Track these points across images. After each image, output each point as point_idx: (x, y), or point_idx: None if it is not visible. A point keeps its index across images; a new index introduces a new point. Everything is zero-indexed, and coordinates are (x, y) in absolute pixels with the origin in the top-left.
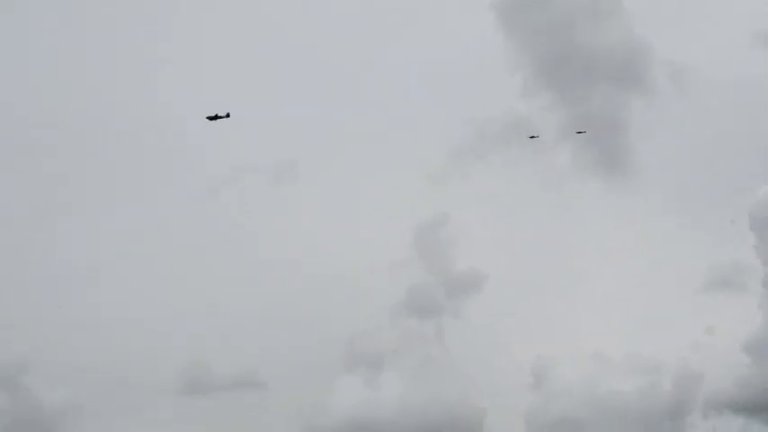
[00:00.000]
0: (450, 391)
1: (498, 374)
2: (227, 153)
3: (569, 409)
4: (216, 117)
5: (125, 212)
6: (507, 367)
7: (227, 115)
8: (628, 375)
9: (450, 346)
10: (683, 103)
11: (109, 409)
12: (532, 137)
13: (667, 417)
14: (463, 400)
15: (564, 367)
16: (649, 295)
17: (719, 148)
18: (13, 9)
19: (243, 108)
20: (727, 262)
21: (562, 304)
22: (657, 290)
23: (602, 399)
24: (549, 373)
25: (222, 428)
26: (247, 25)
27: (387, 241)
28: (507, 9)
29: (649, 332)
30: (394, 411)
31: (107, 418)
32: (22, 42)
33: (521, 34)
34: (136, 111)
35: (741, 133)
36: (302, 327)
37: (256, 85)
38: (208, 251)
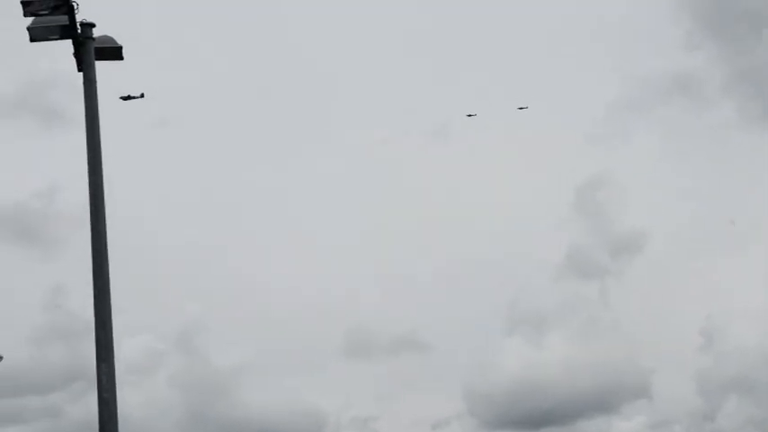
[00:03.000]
0: (615, 352)
1: (666, 335)
2: (380, 115)
3: (742, 369)
4: (129, 97)
5: (285, 178)
6: (675, 327)
7: (142, 95)
8: None
9: (615, 306)
10: None
11: (278, 370)
12: (521, 108)
13: None
14: (629, 360)
15: (736, 327)
16: None
17: None
18: None
19: (396, 69)
20: None
21: (731, 262)
22: None
23: None
24: (719, 333)
25: (387, 390)
26: None
27: (546, 201)
28: None
29: None
30: (559, 373)
31: (276, 379)
32: None
33: None
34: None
35: None
36: (462, 288)
37: (409, 45)
38: (366, 214)
